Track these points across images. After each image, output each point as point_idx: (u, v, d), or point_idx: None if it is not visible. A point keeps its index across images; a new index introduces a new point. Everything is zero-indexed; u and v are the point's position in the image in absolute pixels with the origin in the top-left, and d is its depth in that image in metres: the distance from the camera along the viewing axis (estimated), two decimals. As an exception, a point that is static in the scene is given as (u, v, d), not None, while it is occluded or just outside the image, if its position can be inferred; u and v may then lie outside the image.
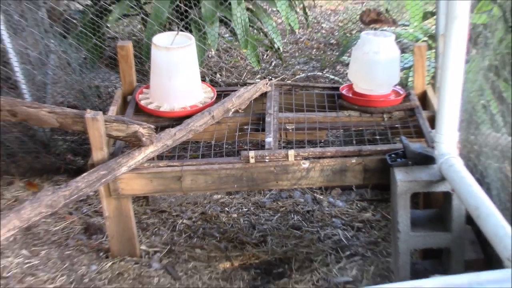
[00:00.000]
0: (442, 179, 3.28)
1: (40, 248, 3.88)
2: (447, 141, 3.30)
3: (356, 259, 3.79)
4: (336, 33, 6.67)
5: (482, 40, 4.20)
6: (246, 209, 4.25)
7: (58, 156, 4.61)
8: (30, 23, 4.93)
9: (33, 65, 4.85)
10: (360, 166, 3.60)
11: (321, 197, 4.33)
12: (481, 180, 3.22)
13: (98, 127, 3.57)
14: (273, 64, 6.05)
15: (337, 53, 6.13)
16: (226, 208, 4.26)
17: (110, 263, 3.77)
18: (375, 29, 5.59)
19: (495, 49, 4.08)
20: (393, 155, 3.47)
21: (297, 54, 6.28)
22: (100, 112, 3.62)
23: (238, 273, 3.72)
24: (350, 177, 3.64)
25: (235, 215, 4.20)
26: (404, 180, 3.29)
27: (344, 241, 3.95)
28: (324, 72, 5.83)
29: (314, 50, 6.35)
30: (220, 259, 3.82)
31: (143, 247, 3.91)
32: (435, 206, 3.55)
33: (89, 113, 3.57)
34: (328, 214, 4.18)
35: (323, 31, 6.79)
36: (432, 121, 3.78)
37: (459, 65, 3.21)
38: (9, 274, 3.67)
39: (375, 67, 4.03)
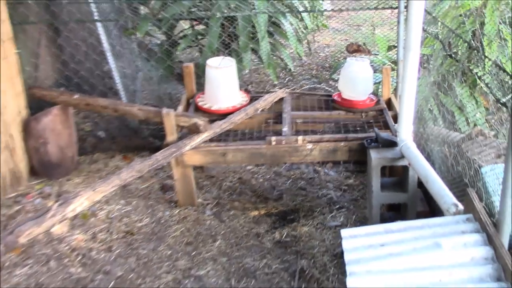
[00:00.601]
0: (402, 157, 3.25)
1: (132, 199, 3.88)
2: (405, 131, 3.28)
3: (343, 210, 3.75)
4: (329, 60, 6.60)
5: (429, 64, 4.15)
6: (269, 176, 4.22)
7: (144, 139, 4.61)
8: (126, 51, 4.93)
9: (127, 79, 4.85)
10: (346, 148, 3.57)
11: (319, 168, 4.29)
12: (428, 158, 3.18)
13: (171, 120, 3.57)
14: (286, 79, 6.00)
15: (329, 73, 6.08)
16: (255, 175, 4.24)
17: (178, 210, 3.77)
18: (356, 56, 5.52)
19: (437, 70, 4.03)
20: (368, 140, 3.45)
21: (303, 73, 6.22)
22: (172, 110, 3.62)
23: (263, 218, 3.70)
24: (340, 155, 3.61)
25: (261, 180, 4.17)
26: (376, 157, 3.27)
27: (335, 198, 3.91)
28: (321, 85, 5.78)
29: (314, 70, 6.29)
30: (251, 209, 3.80)
31: (200, 200, 3.89)
32: (396, 175, 3.51)
33: (164, 110, 3.57)
34: (324, 180, 4.14)
35: (320, 58, 6.72)
36: (395, 118, 3.76)
37: (413, 81, 3.18)
38: (112, 216, 3.68)
39: (356, 81, 4.00)
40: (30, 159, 4.13)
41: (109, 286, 3.08)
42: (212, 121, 3.75)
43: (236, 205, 3.84)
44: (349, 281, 2.06)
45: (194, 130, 3.61)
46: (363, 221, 3.55)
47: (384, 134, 3.46)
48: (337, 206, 3.79)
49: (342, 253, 3.21)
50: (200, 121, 3.59)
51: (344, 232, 2.40)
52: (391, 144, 3.36)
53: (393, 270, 2.10)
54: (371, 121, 3.93)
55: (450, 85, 3.96)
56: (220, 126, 3.72)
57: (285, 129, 3.73)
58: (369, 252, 2.23)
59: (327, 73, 6.19)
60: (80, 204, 3.04)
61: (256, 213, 3.75)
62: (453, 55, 3.96)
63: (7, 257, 3.28)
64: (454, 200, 2.52)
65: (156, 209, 3.79)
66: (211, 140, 3.70)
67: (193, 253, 3.35)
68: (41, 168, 4.12)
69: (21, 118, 4.05)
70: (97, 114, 4.72)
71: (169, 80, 5.33)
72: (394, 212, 3.48)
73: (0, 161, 3.71)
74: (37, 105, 4.23)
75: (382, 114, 3.95)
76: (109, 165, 4.33)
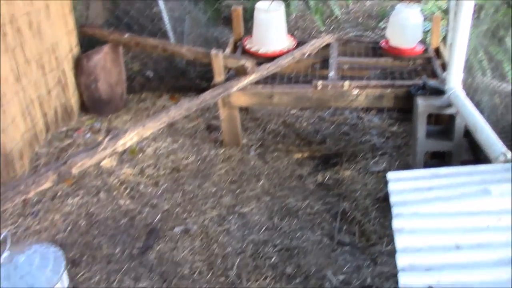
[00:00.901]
0: (449, 105, 3.14)
1: (179, 138, 3.89)
2: (455, 80, 3.15)
3: (385, 157, 3.67)
4: (376, 8, 6.39)
5: (481, 13, 3.95)
6: (313, 120, 4.14)
7: (190, 80, 4.57)
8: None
9: (176, 21, 4.79)
10: (392, 94, 3.47)
11: (363, 115, 4.19)
12: (476, 107, 3.06)
13: (219, 61, 3.53)
14: (332, 26, 5.84)
15: (376, 21, 5.90)
16: (299, 119, 4.16)
17: (223, 150, 3.76)
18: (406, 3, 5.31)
19: (491, 19, 3.84)
20: (415, 88, 3.34)
21: (350, 20, 6.04)
22: (221, 50, 3.56)
23: (306, 161, 3.66)
24: (385, 102, 3.51)
25: (305, 124, 4.10)
26: (423, 104, 3.18)
27: (378, 144, 3.82)
28: (367, 33, 5.62)
29: (360, 18, 6.10)
30: (295, 152, 3.76)
31: (244, 140, 3.86)
32: (442, 123, 3.39)
33: (213, 51, 3.52)
34: (368, 126, 4.04)
35: (367, 6, 6.51)
36: (443, 67, 3.63)
37: (466, 28, 3.03)
38: (159, 152, 3.72)
39: (405, 28, 3.86)
40: (81, 95, 4.17)
41: (156, 218, 3.13)
42: (259, 64, 3.68)
43: (280, 147, 3.80)
44: (395, 222, 2.02)
45: (241, 72, 3.56)
46: (406, 168, 3.45)
47: (432, 81, 3.34)
48: (380, 152, 3.71)
49: (384, 197, 3.20)
50: (248, 63, 3.53)
51: (390, 175, 2.34)
52: (439, 92, 3.25)
53: (439, 214, 2.04)
54: (418, 69, 3.80)
55: (502, 35, 3.78)
56: (267, 69, 3.65)
57: (331, 74, 3.64)
58: (415, 195, 2.17)
59: (373, 21, 6.00)
60: (130, 139, 3.04)
61: (299, 155, 3.71)
62: (510, 3, 3.77)
63: (59, 187, 3.36)
64: (504, 148, 2.43)
65: (201, 148, 3.79)
66: (257, 82, 3.64)
67: (237, 191, 3.36)
68: (92, 104, 4.16)
69: (72, 55, 4.07)
70: (146, 55, 4.71)
71: (216, 24, 5.25)
72: (437, 160, 3.39)
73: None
74: (88, 43, 4.24)
75: (430, 62, 3.81)
76: (157, 104, 4.34)
